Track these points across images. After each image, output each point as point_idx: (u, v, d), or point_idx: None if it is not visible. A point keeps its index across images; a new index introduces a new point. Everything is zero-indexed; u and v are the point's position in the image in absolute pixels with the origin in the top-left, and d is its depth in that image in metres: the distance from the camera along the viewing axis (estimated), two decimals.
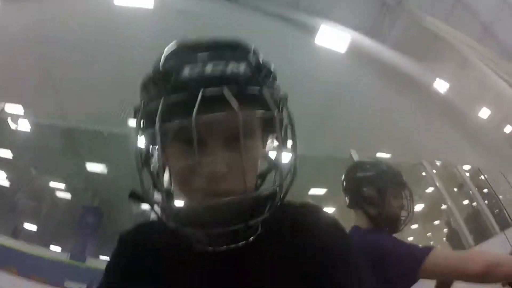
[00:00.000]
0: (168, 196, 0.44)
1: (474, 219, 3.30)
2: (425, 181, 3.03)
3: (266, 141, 0.49)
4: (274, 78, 0.45)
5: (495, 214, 3.40)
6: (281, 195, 0.42)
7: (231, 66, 0.40)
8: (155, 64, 0.43)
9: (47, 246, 2.24)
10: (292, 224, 0.50)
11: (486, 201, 3.48)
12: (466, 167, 3.69)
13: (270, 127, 0.45)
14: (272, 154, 0.48)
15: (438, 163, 3.33)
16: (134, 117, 0.43)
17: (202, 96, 0.38)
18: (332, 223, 0.53)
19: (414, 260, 0.90)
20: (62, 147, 2.35)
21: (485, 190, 3.74)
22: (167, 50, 0.43)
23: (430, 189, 3.09)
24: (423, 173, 2.99)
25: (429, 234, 3.25)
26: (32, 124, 2.34)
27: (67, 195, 2.43)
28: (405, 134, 2.92)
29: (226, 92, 0.38)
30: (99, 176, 2.29)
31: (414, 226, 2.95)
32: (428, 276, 0.93)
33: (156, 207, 0.43)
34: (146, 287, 0.48)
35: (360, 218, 1.07)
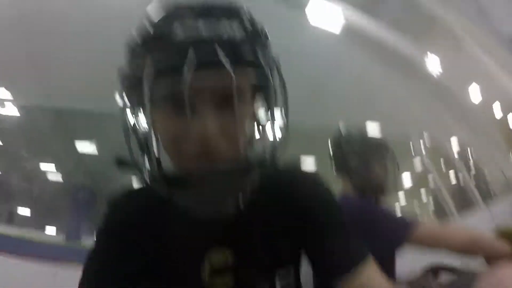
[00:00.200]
0: (158, 162, 0.43)
1: (460, 193, 3.41)
2: (413, 156, 3.09)
3: (256, 105, 0.48)
4: (266, 37, 0.43)
5: (480, 190, 3.51)
6: (272, 161, 0.42)
7: (223, 26, 0.38)
8: (142, 25, 0.40)
9: (42, 229, 2.24)
10: (280, 188, 0.51)
11: (472, 177, 3.58)
12: (454, 143, 3.78)
13: (261, 89, 0.44)
14: (262, 118, 0.47)
15: (426, 137, 3.39)
16: (120, 82, 0.41)
17: (194, 57, 0.36)
18: (318, 183, 0.54)
19: (400, 230, 0.93)
20: (51, 129, 2.31)
21: (472, 167, 3.84)
22: (153, 10, 0.40)
23: (417, 164, 3.15)
24: (411, 147, 3.05)
25: (415, 206, 3.35)
26: (19, 107, 2.30)
27: (58, 177, 2.42)
28: (395, 109, 2.95)
29: (220, 52, 0.36)
30: (90, 156, 2.27)
31: (401, 198, 3.04)
32: (413, 246, 0.95)
33: (145, 174, 0.42)
34: (136, 253, 0.48)
35: (346, 187, 1.10)
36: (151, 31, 0.39)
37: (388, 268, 0.94)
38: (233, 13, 0.40)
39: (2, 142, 2.33)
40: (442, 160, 3.61)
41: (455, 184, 3.52)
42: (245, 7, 0.42)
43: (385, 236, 0.93)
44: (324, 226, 0.51)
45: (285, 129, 0.42)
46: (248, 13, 0.42)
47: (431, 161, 3.11)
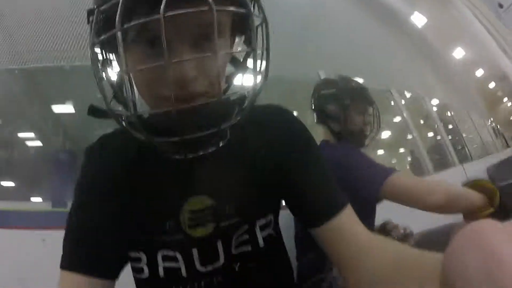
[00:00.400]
0: (134, 105, 0.41)
1: (436, 151, 3.53)
2: (393, 110, 3.14)
3: (234, 42, 0.45)
4: None
5: (457, 149, 3.64)
6: (251, 100, 0.41)
7: None
8: None
9: (26, 199, 2.21)
10: (257, 125, 0.50)
11: (449, 136, 3.69)
12: (434, 101, 3.85)
13: (240, 26, 0.42)
14: (241, 57, 0.45)
15: (407, 93, 3.43)
16: (88, 22, 0.38)
17: None
18: (298, 122, 0.54)
19: (376, 178, 0.93)
20: (24, 91, 2.20)
21: (450, 126, 3.96)
22: None
23: (397, 118, 3.21)
24: (392, 102, 3.09)
25: (393, 161, 3.47)
26: None
27: (37, 143, 2.35)
28: (377, 62, 2.93)
29: None
30: (68, 116, 2.20)
31: (380, 152, 3.13)
32: (388, 198, 0.95)
33: (122, 120, 0.41)
34: (115, 199, 0.48)
35: (326, 134, 1.09)
36: None
37: (366, 217, 0.98)
38: None
39: None
40: (421, 118, 3.70)
41: (433, 143, 3.62)
42: None
43: (362, 183, 0.92)
44: (304, 168, 0.50)
45: (266, 70, 0.41)
46: None
47: (410, 118, 3.17)
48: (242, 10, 0.37)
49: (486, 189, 0.90)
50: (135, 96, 0.44)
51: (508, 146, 4.46)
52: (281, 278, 0.59)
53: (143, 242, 0.50)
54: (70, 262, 0.45)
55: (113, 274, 0.47)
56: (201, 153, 0.45)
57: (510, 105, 4.78)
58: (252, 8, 0.38)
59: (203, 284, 0.50)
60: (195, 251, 0.49)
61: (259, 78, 0.41)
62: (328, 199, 0.49)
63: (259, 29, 0.40)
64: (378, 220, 1.10)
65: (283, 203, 0.56)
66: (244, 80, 0.45)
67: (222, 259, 0.50)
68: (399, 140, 3.37)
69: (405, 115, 3.10)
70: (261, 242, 0.51)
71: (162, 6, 0.31)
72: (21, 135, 2.41)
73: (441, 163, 3.42)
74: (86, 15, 0.38)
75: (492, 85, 5.06)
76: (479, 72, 4.92)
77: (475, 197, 0.88)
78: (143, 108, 0.45)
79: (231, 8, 0.36)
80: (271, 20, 0.42)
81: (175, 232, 0.48)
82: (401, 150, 3.52)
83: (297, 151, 0.51)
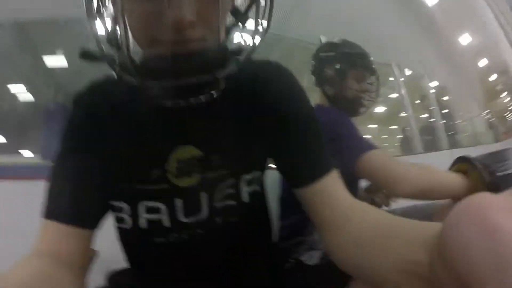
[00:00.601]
0: (127, 48, 0.39)
1: (428, 132, 3.55)
2: (391, 86, 3.10)
3: None
4: None
5: (448, 134, 3.65)
6: (249, 51, 0.39)
7: None
8: None
9: (17, 152, 2.20)
10: (253, 79, 0.49)
11: (443, 121, 3.69)
12: (434, 83, 3.81)
13: None
14: (242, 7, 0.44)
15: (407, 71, 3.38)
16: None
17: None
18: (291, 78, 0.52)
19: (353, 151, 0.89)
20: (16, 45, 2.12)
21: (445, 111, 3.95)
22: None
23: (394, 95, 3.19)
24: (391, 78, 3.05)
25: (384, 136, 3.49)
26: None
27: (29, 96, 2.30)
28: (381, 34, 2.85)
29: None
30: (60, 70, 2.14)
31: (373, 126, 3.14)
32: (362, 176, 0.90)
33: (114, 64, 0.39)
34: (101, 145, 0.47)
35: (322, 98, 1.06)
36: None
37: (350, 184, 0.97)
38: None
39: None
40: (418, 98, 3.68)
41: (425, 123, 3.63)
42: None
43: (341, 154, 0.85)
44: (295, 126, 0.50)
45: (268, 22, 0.40)
46: None
47: (407, 95, 3.14)
48: None
49: (472, 176, 0.86)
50: (129, 40, 0.42)
51: (498, 140, 4.48)
52: (260, 236, 0.59)
53: (127, 191, 0.49)
54: (50, 211, 0.44)
55: (93, 224, 0.47)
56: (192, 101, 0.43)
57: (508, 101, 4.74)
58: None
59: (185, 236, 0.50)
60: (179, 202, 0.49)
61: (260, 30, 0.39)
62: (316, 160, 0.49)
63: None
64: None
65: (271, 162, 0.55)
66: (244, 35, 0.43)
67: (205, 212, 0.49)
68: (393, 116, 3.35)
69: (402, 92, 3.07)
70: (245, 197, 0.51)
71: None
72: (13, 90, 2.35)
73: (431, 144, 3.43)
74: None
75: (493, 77, 4.99)
76: (483, 62, 4.83)
77: (455, 186, 0.84)
78: (137, 51, 0.42)
79: None
80: None
81: (160, 181, 0.48)
82: (394, 126, 3.51)
83: (291, 108, 0.50)
